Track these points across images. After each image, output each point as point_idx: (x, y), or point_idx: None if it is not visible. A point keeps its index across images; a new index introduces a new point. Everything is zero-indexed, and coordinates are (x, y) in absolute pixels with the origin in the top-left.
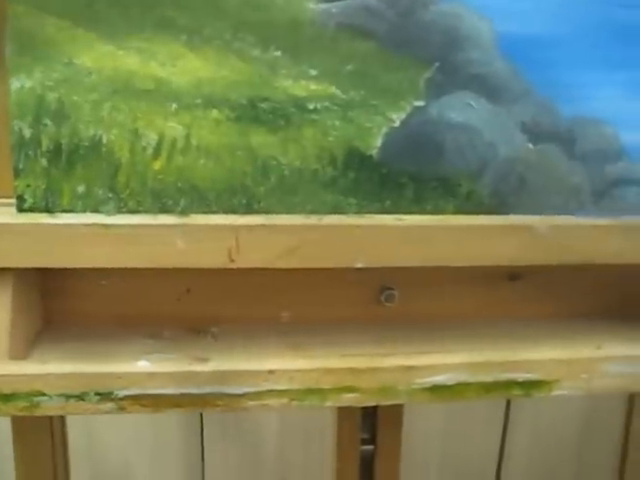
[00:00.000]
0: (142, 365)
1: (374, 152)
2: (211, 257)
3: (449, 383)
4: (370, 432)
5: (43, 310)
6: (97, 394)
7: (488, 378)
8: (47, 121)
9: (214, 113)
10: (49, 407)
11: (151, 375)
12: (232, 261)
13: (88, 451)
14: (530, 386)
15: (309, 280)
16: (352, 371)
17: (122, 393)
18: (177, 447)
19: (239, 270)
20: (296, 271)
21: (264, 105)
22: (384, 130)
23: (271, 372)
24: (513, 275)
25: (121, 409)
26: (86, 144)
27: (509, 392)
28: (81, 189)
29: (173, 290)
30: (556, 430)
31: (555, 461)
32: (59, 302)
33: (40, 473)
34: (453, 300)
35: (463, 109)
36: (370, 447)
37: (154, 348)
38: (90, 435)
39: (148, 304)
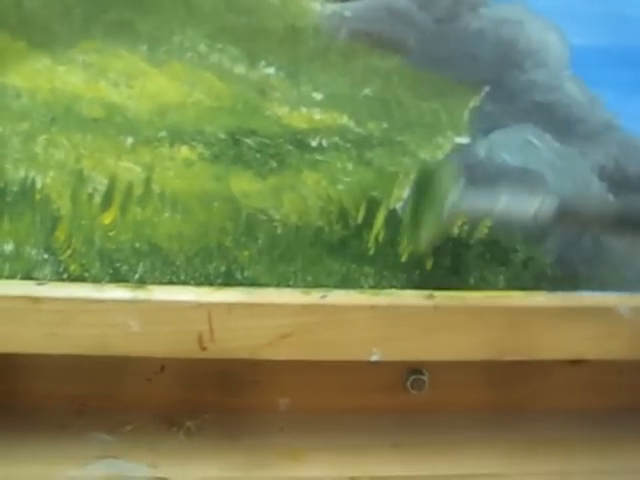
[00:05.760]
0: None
1: (400, 205)
2: (175, 344)
3: None
4: None
5: None
6: None
7: None
8: None
9: (183, 150)
10: None
11: None
12: (203, 349)
13: None
14: None
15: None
16: None
17: None
18: None
19: None
20: None
21: (250, 141)
22: (413, 176)
23: None
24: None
25: None
26: (14, 189)
27: None
28: (8, 248)
29: (143, 367)
30: None
31: None
32: None
33: None
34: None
35: (521, 148)
36: None
37: (109, 449)
38: None
39: (109, 385)
